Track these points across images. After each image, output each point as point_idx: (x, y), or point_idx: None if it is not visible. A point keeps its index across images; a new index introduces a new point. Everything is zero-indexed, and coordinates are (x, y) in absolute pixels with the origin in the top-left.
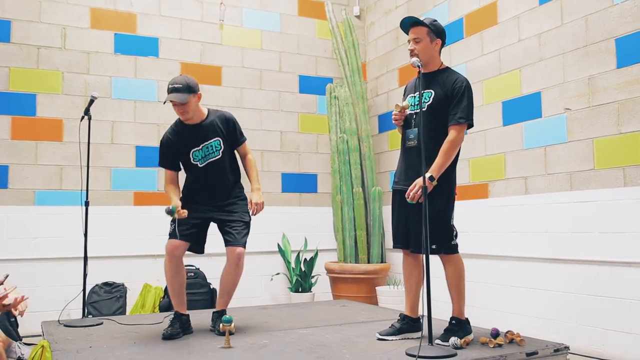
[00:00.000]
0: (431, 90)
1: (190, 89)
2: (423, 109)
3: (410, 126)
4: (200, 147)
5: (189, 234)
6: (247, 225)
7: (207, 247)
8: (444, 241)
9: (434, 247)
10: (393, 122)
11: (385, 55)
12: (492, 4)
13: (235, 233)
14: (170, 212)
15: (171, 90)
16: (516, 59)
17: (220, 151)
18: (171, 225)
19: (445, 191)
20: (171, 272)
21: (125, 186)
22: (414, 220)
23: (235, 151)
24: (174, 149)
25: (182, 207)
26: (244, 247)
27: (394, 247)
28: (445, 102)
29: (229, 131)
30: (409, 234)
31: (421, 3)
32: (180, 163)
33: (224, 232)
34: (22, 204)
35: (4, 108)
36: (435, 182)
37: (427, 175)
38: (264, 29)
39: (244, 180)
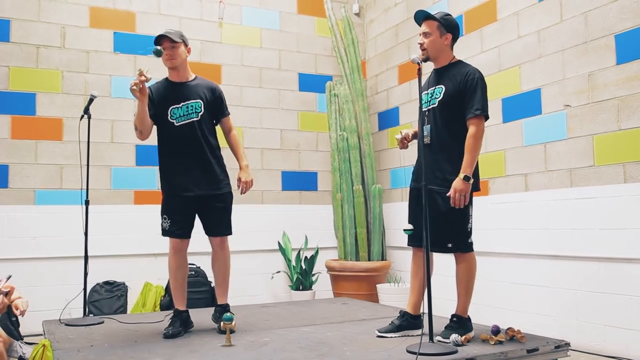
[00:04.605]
0: (442, 86)
1: (182, 37)
2: (434, 106)
3: (424, 123)
4: (181, 105)
5: (182, 232)
6: (229, 209)
7: (207, 246)
8: (461, 240)
9: (449, 245)
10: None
11: (384, 53)
12: (492, 0)
13: (218, 221)
14: (157, 52)
15: (163, 34)
16: (516, 56)
17: (200, 114)
18: (162, 223)
19: None
20: (176, 264)
21: (125, 185)
22: (433, 220)
23: (220, 127)
24: (153, 102)
25: (163, 194)
26: (228, 233)
27: (409, 245)
28: (458, 96)
29: (214, 100)
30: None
31: (420, 0)
32: (155, 122)
33: (205, 219)
34: (22, 203)
35: (4, 107)
36: (472, 180)
37: (462, 176)
38: (264, 27)
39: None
